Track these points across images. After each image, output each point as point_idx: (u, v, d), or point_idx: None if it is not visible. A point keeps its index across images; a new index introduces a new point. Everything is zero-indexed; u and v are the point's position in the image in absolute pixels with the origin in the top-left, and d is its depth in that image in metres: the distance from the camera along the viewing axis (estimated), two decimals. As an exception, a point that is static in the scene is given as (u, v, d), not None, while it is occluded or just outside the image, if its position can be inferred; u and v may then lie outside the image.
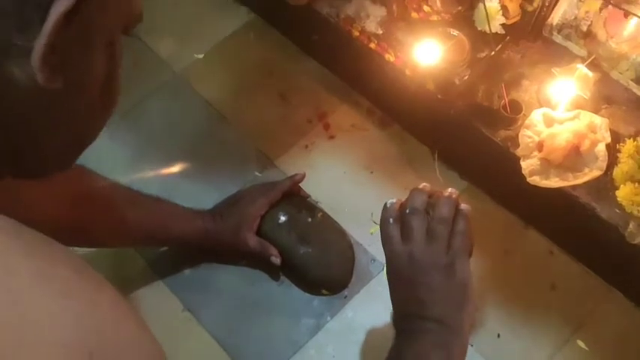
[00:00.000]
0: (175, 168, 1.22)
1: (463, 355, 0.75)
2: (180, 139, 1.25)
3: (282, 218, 1.10)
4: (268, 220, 1.10)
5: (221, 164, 1.23)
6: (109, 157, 1.06)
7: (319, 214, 1.13)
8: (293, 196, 1.14)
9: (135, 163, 1.21)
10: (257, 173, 1.21)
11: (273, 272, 1.11)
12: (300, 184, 1.15)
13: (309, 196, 1.17)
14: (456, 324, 0.74)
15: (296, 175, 1.14)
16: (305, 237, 1.09)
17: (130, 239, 1.04)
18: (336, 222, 1.14)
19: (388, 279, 0.80)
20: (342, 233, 1.13)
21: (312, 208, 1.14)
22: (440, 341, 0.73)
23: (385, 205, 0.82)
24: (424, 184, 0.82)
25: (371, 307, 1.08)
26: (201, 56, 1.35)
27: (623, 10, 1.02)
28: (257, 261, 1.10)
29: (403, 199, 0.82)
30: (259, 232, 1.09)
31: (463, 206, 0.79)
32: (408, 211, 0.78)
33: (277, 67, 1.33)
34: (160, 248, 1.13)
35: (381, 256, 1.12)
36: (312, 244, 1.08)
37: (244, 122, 1.27)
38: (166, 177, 1.20)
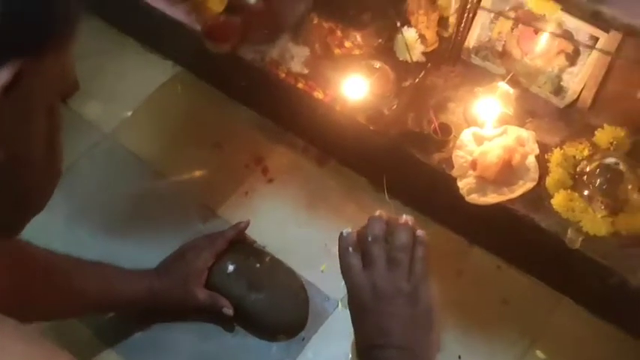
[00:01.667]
0: (115, 230, 1.18)
1: None
2: (117, 200, 1.22)
3: (230, 267, 1.08)
4: (216, 271, 1.08)
5: (162, 220, 1.20)
6: (43, 226, 1.01)
7: (267, 259, 1.11)
8: (239, 244, 1.13)
9: (71, 229, 1.17)
10: (200, 225, 1.20)
11: (227, 324, 1.08)
12: (245, 231, 1.14)
13: (255, 242, 1.16)
14: (421, 350, 0.73)
15: (240, 223, 1.13)
16: (255, 284, 1.07)
17: (75, 308, 1.00)
18: (285, 264, 1.12)
19: (350, 310, 0.79)
20: (292, 275, 1.12)
21: (259, 253, 1.13)
22: None
23: (342, 234, 0.79)
24: (380, 211, 0.81)
25: (330, 345, 1.07)
26: (129, 114, 1.33)
27: (533, 27, 1.07)
28: (210, 314, 1.07)
29: (357, 229, 0.81)
30: (208, 285, 1.06)
31: (419, 232, 0.78)
32: (369, 239, 0.77)
33: (208, 117, 1.33)
34: (106, 315, 1.09)
35: (334, 294, 1.11)
36: (263, 290, 1.07)
37: (181, 175, 1.25)
38: (106, 240, 1.17)
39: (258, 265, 1.10)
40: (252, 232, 1.15)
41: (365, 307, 0.76)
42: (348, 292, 0.78)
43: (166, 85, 1.37)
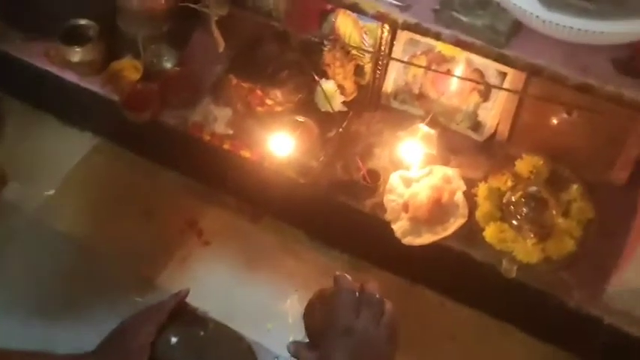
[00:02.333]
0: (48, 315, 1.13)
1: None
2: (48, 284, 1.17)
3: (174, 340, 1.04)
4: (159, 346, 1.03)
5: (96, 299, 1.16)
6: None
7: (211, 325, 1.08)
8: (180, 314, 1.09)
9: (2, 321, 1.11)
10: (137, 299, 1.16)
11: (177, 399, 1.04)
12: (185, 299, 1.11)
13: (197, 309, 1.13)
14: None
15: (180, 291, 1.09)
16: (201, 352, 1.04)
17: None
18: (230, 328, 1.09)
19: (330, 346, 0.80)
20: (238, 338, 1.09)
21: (202, 320, 1.09)
22: None
23: (344, 275, 0.83)
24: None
25: (286, 406, 1.05)
26: (52, 192, 1.29)
27: (441, 73, 1.11)
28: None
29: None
30: (153, 361, 1.03)
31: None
32: (377, 296, 0.81)
33: (135, 185, 1.30)
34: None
35: (283, 351, 1.09)
36: (210, 359, 1.04)
37: (113, 249, 1.22)
38: (40, 327, 1.12)
39: (202, 332, 1.07)
40: (193, 298, 1.12)
41: (350, 346, 0.79)
42: (335, 330, 0.80)
43: (87, 158, 1.34)
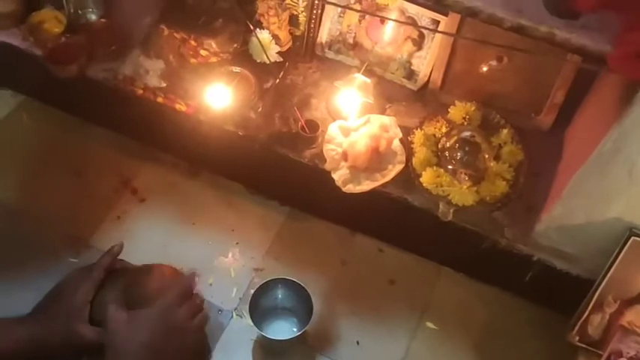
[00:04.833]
0: (-23, 281, 1.09)
1: None
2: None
3: (112, 297, 1.03)
4: (98, 304, 1.01)
5: (29, 262, 1.12)
6: None
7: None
8: (118, 271, 1.07)
9: None
10: (72, 259, 1.13)
11: (121, 357, 1.03)
12: (125, 257, 1.08)
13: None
14: None
15: (113, 247, 1.07)
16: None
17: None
18: (171, 284, 1.09)
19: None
20: (180, 294, 1.08)
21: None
22: None
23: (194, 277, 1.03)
24: None
25: (233, 357, 1.05)
26: (-26, 154, 1.23)
27: (378, 17, 1.12)
28: (100, 351, 1.01)
29: None
30: (93, 320, 1.00)
31: None
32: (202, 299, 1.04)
33: (63, 144, 1.25)
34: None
35: (227, 305, 1.10)
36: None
37: (43, 210, 1.17)
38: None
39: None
40: (132, 256, 1.10)
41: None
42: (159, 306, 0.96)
43: (10, 117, 1.28)
